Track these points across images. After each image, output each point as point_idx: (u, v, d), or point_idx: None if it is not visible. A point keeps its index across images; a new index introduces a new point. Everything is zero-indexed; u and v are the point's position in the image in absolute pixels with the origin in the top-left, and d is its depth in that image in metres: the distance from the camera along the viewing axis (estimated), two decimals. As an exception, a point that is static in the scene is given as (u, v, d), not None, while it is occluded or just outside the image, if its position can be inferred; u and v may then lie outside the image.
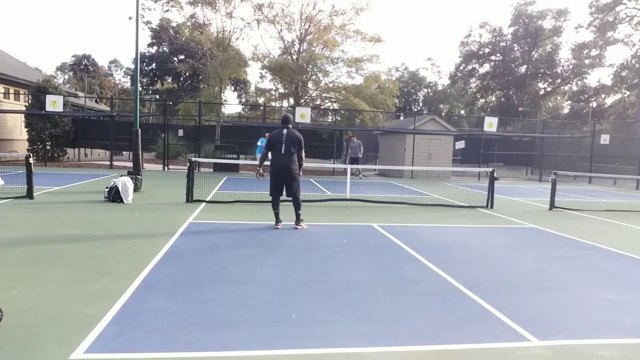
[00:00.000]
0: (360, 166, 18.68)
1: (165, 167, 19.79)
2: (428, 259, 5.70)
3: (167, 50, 46.81)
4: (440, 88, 62.59)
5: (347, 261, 5.50)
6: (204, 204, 9.65)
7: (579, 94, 47.18)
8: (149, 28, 43.70)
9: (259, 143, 17.22)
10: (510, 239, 7.40)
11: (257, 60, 28.06)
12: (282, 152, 7.14)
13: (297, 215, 7.37)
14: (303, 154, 7.38)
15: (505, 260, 5.91)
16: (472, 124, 40.12)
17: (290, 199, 7.38)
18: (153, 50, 48.15)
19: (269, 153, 7.33)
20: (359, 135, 22.09)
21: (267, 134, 15.63)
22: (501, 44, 48.12)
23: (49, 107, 18.92)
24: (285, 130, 7.20)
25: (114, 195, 9.37)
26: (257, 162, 12.72)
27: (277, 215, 7.41)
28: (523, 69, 47.25)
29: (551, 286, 4.79)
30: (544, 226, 8.59)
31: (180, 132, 24.53)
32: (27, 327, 3.28)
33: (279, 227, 7.34)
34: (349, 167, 13.17)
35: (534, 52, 46.53)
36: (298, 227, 7.32)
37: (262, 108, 27.92)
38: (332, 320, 3.64)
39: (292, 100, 28.87)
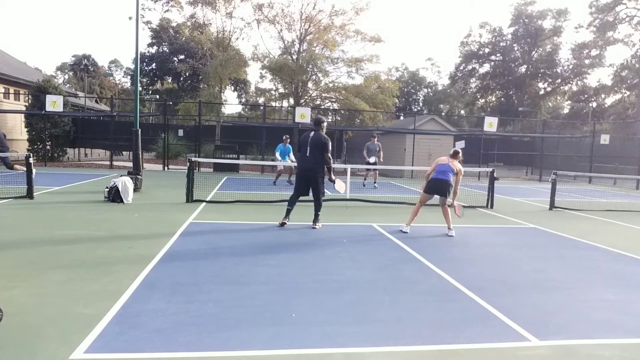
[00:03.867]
0: (374, 166, 14.62)
1: (165, 167, 19.79)
2: (428, 259, 5.70)
3: (167, 50, 46.79)
4: (440, 88, 62.61)
5: (347, 261, 5.50)
6: (204, 204, 9.64)
7: (579, 94, 47.20)
8: (149, 28, 43.74)
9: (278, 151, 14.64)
10: (510, 239, 7.39)
11: (257, 60, 28.14)
12: (307, 154, 7.35)
13: (316, 215, 7.54)
14: (329, 157, 7.46)
15: (505, 260, 5.91)
16: (472, 124, 40.12)
17: (313, 199, 7.54)
18: (153, 50, 48.14)
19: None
20: (359, 135, 21.99)
21: (285, 137, 14.07)
22: (501, 44, 48.14)
23: (49, 107, 18.93)
24: (312, 133, 7.41)
25: (114, 195, 9.37)
26: (257, 163, 12.84)
27: (289, 211, 7.50)
28: (523, 69, 47.28)
29: (551, 286, 4.79)
30: (544, 226, 8.59)
31: (180, 132, 24.54)
32: (27, 327, 3.28)
33: (286, 222, 7.43)
34: (348, 167, 12.82)
35: (534, 52, 46.54)
36: (315, 227, 7.45)
37: (262, 108, 27.91)
38: (332, 320, 3.64)
39: (292, 100, 28.89)
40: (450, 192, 7.33)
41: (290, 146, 14.07)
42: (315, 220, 7.53)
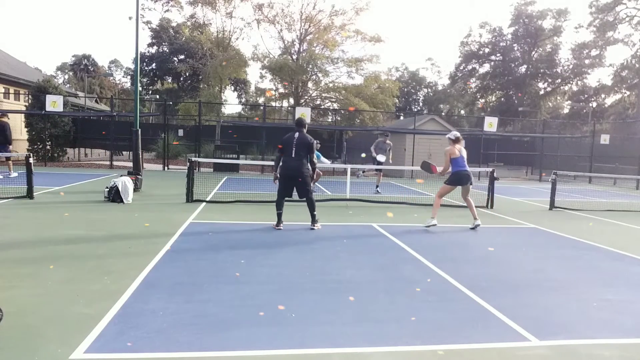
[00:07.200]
0: (366, 166, 13.86)
1: (165, 167, 19.79)
2: (428, 259, 5.70)
3: (167, 50, 46.82)
4: (440, 88, 62.61)
5: (347, 261, 5.50)
6: (204, 204, 9.64)
7: (579, 94, 47.18)
8: (149, 28, 43.80)
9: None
10: (510, 239, 7.39)
11: (257, 60, 28.10)
12: (292, 155, 7.24)
13: (313, 216, 7.46)
14: (315, 159, 7.48)
15: (505, 260, 5.91)
16: (472, 124, 40.11)
17: (304, 200, 7.46)
18: (153, 50, 48.18)
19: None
20: (359, 135, 21.90)
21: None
22: (501, 44, 48.11)
23: (49, 107, 18.92)
24: (297, 134, 7.31)
25: (114, 195, 9.37)
26: (257, 163, 12.69)
27: (280, 215, 7.40)
28: (523, 69, 47.25)
29: (551, 286, 4.79)
30: (544, 226, 8.59)
31: (180, 132, 24.53)
32: (27, 327, 3.28)
33: (281, 227, 7.34)
34: (348, 167, 12.73)
35: (534, 52, 46.52)
36: (314, 227, 7.40)
37: (262, 108, 27.91)
38: (332, 320, 3.64)
39: (292, 100, 28.89)
40: (471, 180, 8.08)
41: None
42: (313, 221, 7.46)
